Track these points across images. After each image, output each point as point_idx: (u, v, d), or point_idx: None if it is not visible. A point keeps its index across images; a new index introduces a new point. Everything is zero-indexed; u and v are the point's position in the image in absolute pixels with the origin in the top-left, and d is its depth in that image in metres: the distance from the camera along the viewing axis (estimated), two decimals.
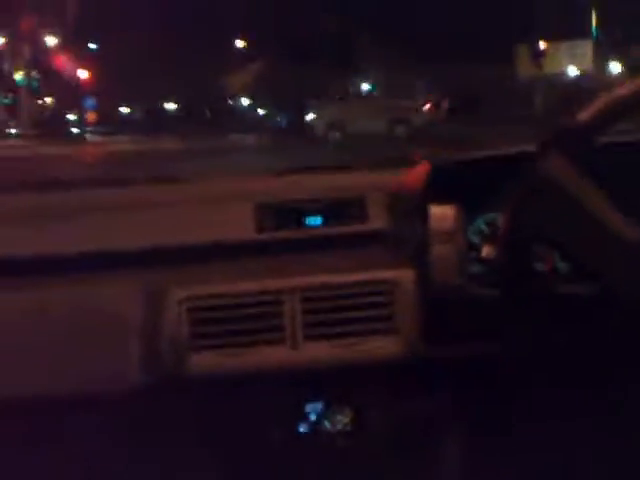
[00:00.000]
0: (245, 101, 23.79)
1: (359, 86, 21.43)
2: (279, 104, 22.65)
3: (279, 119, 23.51)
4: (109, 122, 22.17)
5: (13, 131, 22.21)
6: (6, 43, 18.55)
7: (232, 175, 1.97)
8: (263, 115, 24.16)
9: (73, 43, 18.10)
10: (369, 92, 22.03)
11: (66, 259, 1.48)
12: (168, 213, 1.54)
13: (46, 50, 18.69)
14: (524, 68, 17.76)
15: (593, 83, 17.42)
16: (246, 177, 1.82)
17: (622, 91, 1.21)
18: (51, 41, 18.69)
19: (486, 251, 1.53)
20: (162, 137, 20.30)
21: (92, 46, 19.10)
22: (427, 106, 18.85)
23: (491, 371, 1.49)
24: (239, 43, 20.24)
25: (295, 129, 21.85)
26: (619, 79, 17.72)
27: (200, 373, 1.44)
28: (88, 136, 20.37)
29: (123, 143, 19.70)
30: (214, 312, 1.45)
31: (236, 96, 23.25)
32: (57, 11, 16.77)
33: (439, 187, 1.47)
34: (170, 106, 23.37)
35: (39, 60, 18.88)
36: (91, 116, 22.52)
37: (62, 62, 18.18)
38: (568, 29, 16.69)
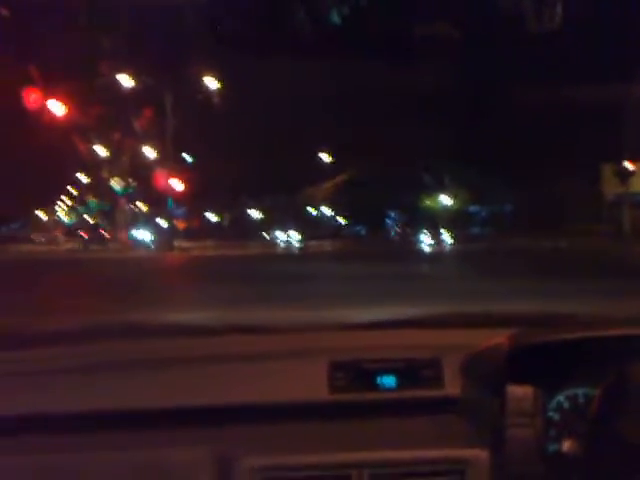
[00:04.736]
0: (327, 210, 23.56)
1: (438, 199, 20.70)
2: (358, 215, 22.36)
3: (358, 228, 23.19)
4: (197, 229, 22.16)
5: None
6: (108, 155, 18.89)
7: (308, 327, 1.80)
8: (344, 224, 23.87)
9: (170, 156, 18.13)
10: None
11: (139, 415, 1.38)
12: (243, 368, 1.45)
13: (145, 162, 18.88)
14: (609, 186, 17.01)
15: None
16: (322, 331, 1.71)
17: None
18: (150, 153, 18.84)
19: (567, 445, 1.36)
20: (245, 243, 20.22)
21: (188, 159, 19.11)
22: None
23: None
24: (325, 157, 19.95)
25: (374, 238, 21.39)
26: None
27: None
28: (177, 243, 20.13)
29: (210, 248, 19.45)
30: None
31: (319, 206, 23.09)
32: (157, 128, 16.94)
33: (520, 365, 1.35)
34: (254, 214, 23.41)
35: (137, 171, 19.16)
36: (181, 224, 22.54)
37: (159, 175, 18.28)
38: None
